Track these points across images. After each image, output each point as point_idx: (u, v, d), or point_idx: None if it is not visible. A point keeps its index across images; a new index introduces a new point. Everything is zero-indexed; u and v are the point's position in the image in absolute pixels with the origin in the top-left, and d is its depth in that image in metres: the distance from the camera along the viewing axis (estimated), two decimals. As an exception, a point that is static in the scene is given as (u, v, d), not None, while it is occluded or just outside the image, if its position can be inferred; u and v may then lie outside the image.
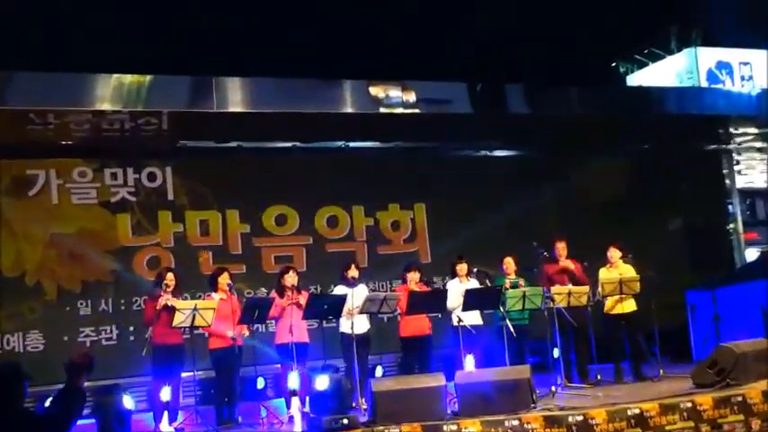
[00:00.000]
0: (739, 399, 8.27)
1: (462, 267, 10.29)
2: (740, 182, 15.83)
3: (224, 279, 9.27)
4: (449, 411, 8.19)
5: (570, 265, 10.53)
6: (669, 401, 8.21)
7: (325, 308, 9.23)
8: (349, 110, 12.12)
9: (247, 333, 9.17)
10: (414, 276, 10.08)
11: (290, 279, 9.41)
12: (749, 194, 15.85)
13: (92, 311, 11.55)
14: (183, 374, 9.49)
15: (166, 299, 8.88)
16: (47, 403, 5.93)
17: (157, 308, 8.83)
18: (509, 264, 10.53)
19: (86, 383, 5.40)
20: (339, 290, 9.78)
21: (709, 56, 17.47)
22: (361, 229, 13.18)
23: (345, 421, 7.79)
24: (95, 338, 11.47)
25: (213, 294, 9.28)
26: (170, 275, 9.14)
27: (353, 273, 9.76)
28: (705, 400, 8.25)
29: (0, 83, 10.59)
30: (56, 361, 11.00)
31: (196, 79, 11.46)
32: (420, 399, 8.02)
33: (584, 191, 14.54)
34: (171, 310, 8.77)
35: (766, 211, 15.94)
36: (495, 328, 10.18)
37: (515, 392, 8.24)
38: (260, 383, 11.42)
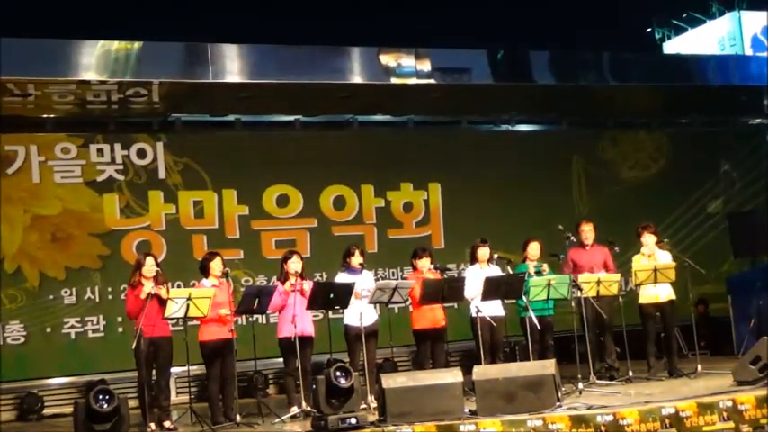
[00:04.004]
0: (785, 397, 8.28)
1: (485, 252, 10.26)
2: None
3: (216, 265, 9.20)
4: (466, 410, 8.21)
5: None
6: (707, 400, 8.23)
7: (331, 297, 9.24)
8: (357, 80, 12.06)
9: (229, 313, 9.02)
10: (424, 263, 10.07)
11: (295, 265, 9.39)
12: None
13: (77, 300, 11.62)
14: (177, 370, 9.50)
15: (151, 287, 8.77)
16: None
17: (143, 297, 8.73)
18: (534, 249, 10.50)
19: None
20: (341, 278, 9.76)
21: (754, 20, 17.33)
22: (370, 210, 13.18)
23: (353, 420, 7.83)
24: (81, 330, 11.52)
25: (204, 281, 9.20)
26: (149, 260, 9.00)
27: (358, 260, 9.75)
28: (747, 398, 8.26)
29: (-26, 51, 10.60)
30: (38, 354, 11.20)
31: (190, 46, 11.43)
32: (434, 396, 8.06)
33: (615, 169, 14.52)
34: (158, 300, 8.71)
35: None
36: (518, 320, 10.21)
37: (539, 390, 8.26)
38: (259, 379, 11.50)
